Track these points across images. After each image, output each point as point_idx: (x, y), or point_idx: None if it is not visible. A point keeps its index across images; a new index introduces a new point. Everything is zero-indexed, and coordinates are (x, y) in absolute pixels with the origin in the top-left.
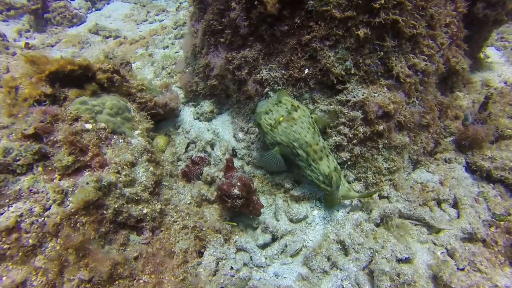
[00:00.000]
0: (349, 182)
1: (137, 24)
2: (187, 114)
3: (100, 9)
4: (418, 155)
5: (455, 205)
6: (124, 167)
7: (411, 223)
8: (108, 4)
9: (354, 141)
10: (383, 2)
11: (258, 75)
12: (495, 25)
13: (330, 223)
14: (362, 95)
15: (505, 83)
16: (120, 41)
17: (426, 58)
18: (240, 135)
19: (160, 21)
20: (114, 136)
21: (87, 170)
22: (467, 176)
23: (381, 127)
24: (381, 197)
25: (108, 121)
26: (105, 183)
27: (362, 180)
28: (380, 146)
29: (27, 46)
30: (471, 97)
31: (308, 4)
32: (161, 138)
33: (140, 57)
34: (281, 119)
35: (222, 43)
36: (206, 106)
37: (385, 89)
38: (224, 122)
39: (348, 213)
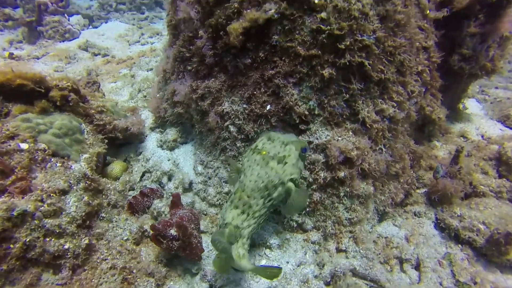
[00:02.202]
0: (306, 231)
1: (129, 45)
2: (152, 140)
3: (96, 27)
4: (385, 206)
5: (418, 266)
6: (52, 195)
7: (366, 284)
8: (106, 22)
9: (314, 186)
10: (348, 43)
11: (220, 107)
12: (472, 79)
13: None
14: (326, 138)
15: (482, 136)
16: (108, 60)
17: (395, 105)
18: (199, 168)
19: (152, 44)
20: (52, 159)
21: (4, 195)
22: (435, 233)
23: (342, 174)
24: (338, 250)
25: (51, 142)
26: (16, 214)
27: (321, 229)
28: (341, 194)
29: (11, 56)
30: (448, 148)
31: (272, 39)
32: (118, 164)
33: (123, 77)
34: (263, 152)
35: (189, 71)
36: (170, 134)
37: (351, 133)
38: (186, 153)
39: (298, 266)
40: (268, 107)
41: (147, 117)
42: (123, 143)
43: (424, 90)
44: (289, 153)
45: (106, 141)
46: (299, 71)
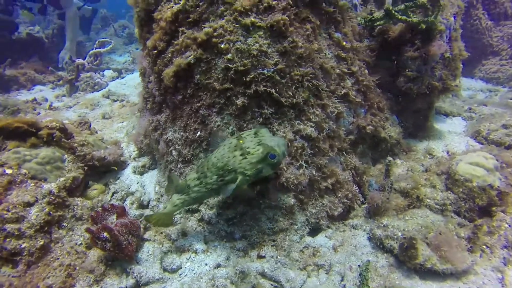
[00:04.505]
0: (235, 239)
1: None
2: (129, 168)
3: (122, 78)
4: (318, 218)
5: (329, 271)
6: (17, 206)
7: (270, 284)
8: (131, 73)
9: (238, 199)
10: (252, 76)
11: (165, 136)
12: (425, 98)
13: (193, 276)
14: None
15: (447, 153)
16: (123, 104)
17: (313, 125)
18: (157, 188)
19: None
20: (29, 181)
21: None
22: (367, 244)
23: (258, 187)
24: (258, 256)
25: (32, 168)
26: None
27: (248, 238)
28: (262, 206)
29: (50, 107)
30: (407, 165)
31: (195, 78)
32: (96, 187)
33: (129, 118)
34: (240, 141)
35: (148, 109)
36: (141, 162)
37: None
38: (153, 177)
39: (215, 268)
40: (198, 133)
41: (135, 149)
42: (106, 170)
43: (363, 111)
44: (254, 152)
45: (86, 168)
46: (218, 102)
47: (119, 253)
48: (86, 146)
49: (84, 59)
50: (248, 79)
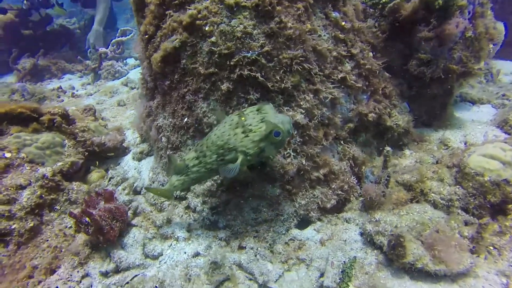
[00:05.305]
0: (219, 228)
1: None
2: (130, 154)
3: None
4: (308, 210)
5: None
6: (9, 188)
7: (246, 276)
8: None
9: (222, 188)
10: (236, 60)
11: (156, 122)
12: (440, 83)
13: (170, 264)
14: None
15: (465, 143)
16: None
17: (303, 111)
18: (150, 174)
19: None
20: (25, 165)
21: None
22: (358, 239)
23: (241, 177)
24: (239, 247)
25: (30, 152)
26: None
27: (231, 228)
28: (246, 195)
29: (73, 95)
30: (416, 156)
31: (182, 63)
32: (96, 172)
33: None
34: (242, 118)
35: (144, 95)
36: (139, 148)
37: None
38: (149, 163)
39: (193, 256)
40: (186, 119)
41: (137, 136)
42: (108, 156)
43: (365, 97)
44: (257, 130)
45: (87, 153)
46: (203, 87)
47: (101, 238)
48: (87, 132)
49: (107, 48)
50: (232, 63)
